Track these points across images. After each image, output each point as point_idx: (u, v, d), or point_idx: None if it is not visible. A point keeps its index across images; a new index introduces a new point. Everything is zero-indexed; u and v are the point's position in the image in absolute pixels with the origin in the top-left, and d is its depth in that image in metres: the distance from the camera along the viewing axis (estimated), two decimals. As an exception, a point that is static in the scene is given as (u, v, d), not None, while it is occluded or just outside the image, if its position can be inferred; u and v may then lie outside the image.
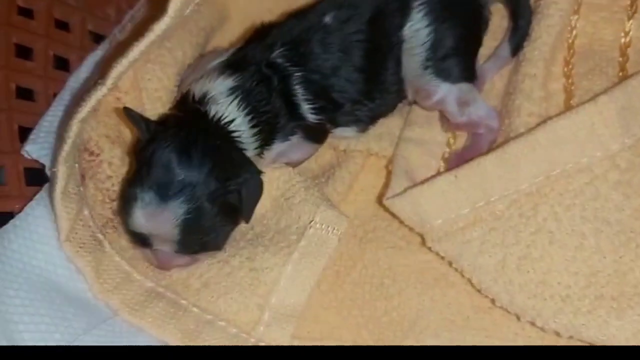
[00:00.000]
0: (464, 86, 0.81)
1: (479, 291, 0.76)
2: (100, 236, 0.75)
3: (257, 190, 0.75)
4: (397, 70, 0.82)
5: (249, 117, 0.75)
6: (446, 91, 0.80)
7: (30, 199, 0.75)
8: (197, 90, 0.75)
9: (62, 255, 0.72)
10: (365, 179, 0.89)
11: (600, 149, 0.72)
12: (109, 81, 0.68)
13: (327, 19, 0.79)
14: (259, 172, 0.75)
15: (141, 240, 0.73)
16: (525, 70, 0.79)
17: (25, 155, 0.79)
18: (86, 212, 0.74)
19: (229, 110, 0.74)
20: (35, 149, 0.78)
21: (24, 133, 0.81)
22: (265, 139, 0.77)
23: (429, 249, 0.78)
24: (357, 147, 0.88)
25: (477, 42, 0.85)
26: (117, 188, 0.78)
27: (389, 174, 0.84)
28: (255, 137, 0.75)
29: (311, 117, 0.80)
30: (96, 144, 0.76)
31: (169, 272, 0.78)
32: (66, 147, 0.69)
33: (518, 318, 0.74)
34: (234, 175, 0.72)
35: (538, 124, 0.75)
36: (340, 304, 0.82)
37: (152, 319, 0.74)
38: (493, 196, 0.74)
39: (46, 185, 0.76)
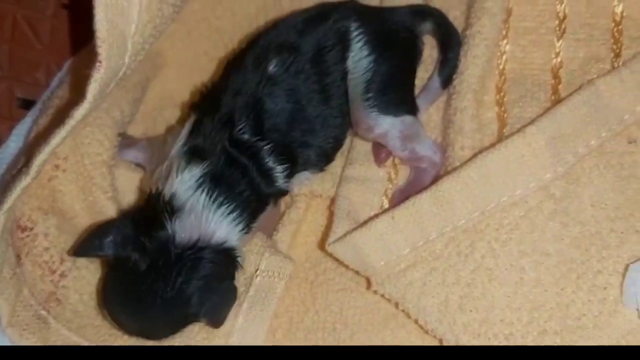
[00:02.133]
0: (407, 119, 0.80)
1: (427, 332, 0.75)
2: (43, 313, 0.75)
3: (220, 305, 0.73)
4: (345, 104, 0.80)
5: (223, 207, 0.73)
6: (389, 125, 0.79)
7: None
8: (166, 194, 0.73)
9: (-1, 338, 0.71)
10: (313, 220, 0.89)
11: (533, 180, 0.71)
12: (33, 170, 0.68)
13: (271, 68, 0.77)
14: (227, 289, 0.73)
15: None
16: (455, 103, 0.78)
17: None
18: (25, 292, 0.74)
19: (196, 221, 0.71)
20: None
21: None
22: (248, 218, 0.75)
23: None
24: (301, 191, 0.88)
25: (414, 74, 0.84)
26: (56, 259, 0.77)
27: (331, 215, 0.82)
28: (235, 222, 0.73)
29: (283, 183, 0.79)
30: (29, 218, 0.75)
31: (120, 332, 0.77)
32: None
33: (467, 357, 0.73)
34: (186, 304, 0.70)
35: (470, 158, 0.74)
36: (295, 352, 0.82)
37: (107, 386, 0.74)
38: (431, 235, 0.73)
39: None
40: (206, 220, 0.72)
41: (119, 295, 0.71)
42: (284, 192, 0.81)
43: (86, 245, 0.72)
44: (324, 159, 0.83)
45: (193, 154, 0.75)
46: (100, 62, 0.62)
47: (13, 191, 0.67)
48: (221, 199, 0.73)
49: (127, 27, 0.63)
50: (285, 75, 0.78)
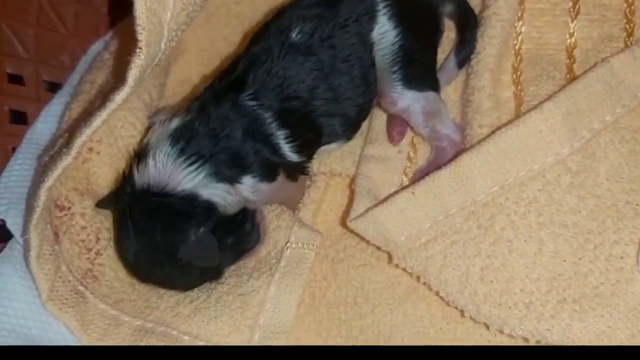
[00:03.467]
0: (430, 95, 0.81)
1: (448, 303, 0.77)
2: (81, 288, 0.77)
3: (198, 246, 0.73)
4: (371, 74, 0.81)
5: (190, 157, 0.73)
6: (411, 100, 0.80)
7: (-5, 257, 0.76)
8: (147, 139, 0.76)
9: (32, 310, 0.74)
10: (333, 198, 0.91)
11: (551, 154, 0.73)
12: (74, 150, 0.70)
13: (294, 36, 0.78)
14: (193, 227, 0.73)
15: None
16: (473, 83, 0.81)
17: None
18: (64, 268, 0.76)
19: (156, 162, 0.73)
20: (-6, 206, 0.79)
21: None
22: (224, 177, 0.75)
23: (397, 265, 0.79)
24: (321, 170, 0.90)
25: (436, 52, 0.85)
26: (92, 237, 0.79)
27: (352, 193, 0.85)
28: (199, 172, 0.73)
29: (294, 157, 0.79)
30: (66, 198, 0.77)
31: (156, 304, 0.80)
32: (36, 215, 0.71)
33: (487, 327, 0.75)
34: (168, 248, 0.73)
35: (489, 135, 0.76)
36: (318, 326, 0.84)
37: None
38: (451, 209, 0.75)
39: (10, 242, 0.78)
40: (163, 167, 0.73)
41: (117, 243, 0.77)
42: (295, 166, 0.81)
43: (103, 198, 0.79)
44: (350, 128, 0.84)
45: (187, 109, 0.77)
46: (140, 48, 0.63)
47: (54, 170, 0.69)
48: (188, 150, 0.73)
49: (164, 14, 0.65)
50: (308, 43, 0.78)
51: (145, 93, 0.84)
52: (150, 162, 0.73)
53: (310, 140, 0.81)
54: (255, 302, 0.79)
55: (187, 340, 0.78)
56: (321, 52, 0.78)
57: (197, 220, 0.73)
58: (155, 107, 0.88)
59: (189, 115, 0.76)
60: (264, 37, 0.79)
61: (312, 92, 0.78)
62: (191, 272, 0.76)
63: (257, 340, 0.78)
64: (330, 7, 0.79)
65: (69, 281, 0.76)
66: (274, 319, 0.79)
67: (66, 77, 0.93)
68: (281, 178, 0.80)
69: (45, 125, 0.87)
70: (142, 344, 0.76)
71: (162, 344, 0.77)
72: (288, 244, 0.82)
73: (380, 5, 0.79)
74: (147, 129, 0.83)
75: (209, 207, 0.74)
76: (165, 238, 0.72)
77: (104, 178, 0.81)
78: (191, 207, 0.73)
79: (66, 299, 0.75)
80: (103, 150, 0.80)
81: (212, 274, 0.79)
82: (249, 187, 0.76)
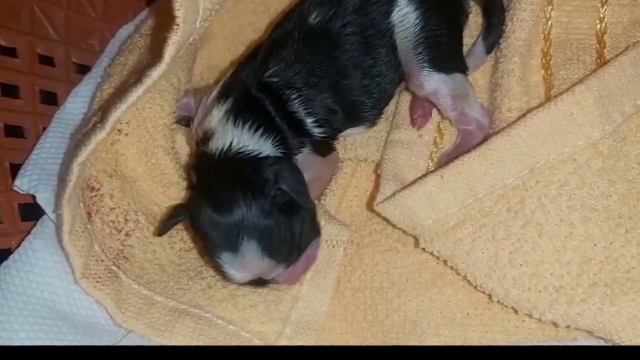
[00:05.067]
0: (458, 77, 0.81)
1: (475, 287, 0.77)
2: (114, 268, 0.78)
3: (291, 173, 0.73)
4: (392, 57, 0.81)
5: (252, 129, 0.76)
6: (440, 82, 0.80)
7: (27, 234, 0.78)
8: (200, 131, 0.79)
9: (64, 285, 0.75)
10: (358, 184, 0.91)
11: (582, 137, 0.73)
12: (108, 125, 0.71)
13: (311, 19, 0.79)
14: (281, 158, 0.75)
15: (258, 283, 0.78)
16: (502, 66, 0.80)
17: (16, 190, 0.81)
18: (97, 247, 0.77)
19: (226, 135, 0.75)
20: (25, 182, 0.80)
21: (17, 170, 0.82)
22: (285, 146, 0.78)
23: (424, 249, 0.79)
24: (346, 156, 0.90)
25: (461, 34, 0.85)
26: (121, 219, 0.80)
27: (378, 178, 0.85)
28: (268, 140, 0.76)
29: (317, 132, 0.81)
30: (96, 179, 0.78)
31: (188, 286, 0.81)
32: (68, 190, 0.71)
33: (516, 311, 0.74)
34: (262, 183, 0.72)
35: (518, 118, 0.75)
36: (344, 310, 0.84)
37: (182, 337, 0.77)
38: (480, 193, 0.75)
39: (42, 219, 0.79)
40: (236, 139, 0.75)
41: (205, 202, 0.73)
42: (320, 141, 0.82)
43: (164, 223, 0.78)
44: (373, 111, 0.84)
45: (220, 96, 0.79)
46: (177, 25, 0.64)
47: (87, 145, 0.70)
48: (248, 121, 0.76)
49: (199, -8, 0.66)
50: (325, 26, 0.79)
51: (173, 77, 0.85)
52: (219, 137, 0.76)
53: (331, 117, 0.82)
54: (289, 297, 0.80)
55: (221, 324, 0.79)
56: (339, 34, 0.79)
57: (280, 159, 0.75)
58: (182, 91, 0.89)
59: (227, 99, 0.78)
60: (285, 22, 0.82)
61: (330, 74, 0.79)
62: (284, 224, 0.73)
63: (287, 334, 0.80)
64: None
65: (102, 261, 0.77)
66: (305, 316, 0.80)
67: (95, 59, 0.94)
68: (307, 150, 0.81)
69: (74, 105, 0.89)
70: (177, 324, 0.77)
71: (199, 326, 0.78)
72: None
73: None
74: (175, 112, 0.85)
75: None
76: (260, 174, 0.72)
77: (132, 159, 0.81)
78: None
79: (100, 277, 0.76)
80: (131, 131, 0.80)
81: (294, 247, 0.75)
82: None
